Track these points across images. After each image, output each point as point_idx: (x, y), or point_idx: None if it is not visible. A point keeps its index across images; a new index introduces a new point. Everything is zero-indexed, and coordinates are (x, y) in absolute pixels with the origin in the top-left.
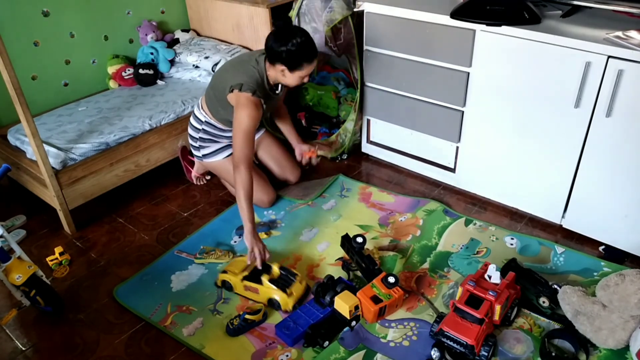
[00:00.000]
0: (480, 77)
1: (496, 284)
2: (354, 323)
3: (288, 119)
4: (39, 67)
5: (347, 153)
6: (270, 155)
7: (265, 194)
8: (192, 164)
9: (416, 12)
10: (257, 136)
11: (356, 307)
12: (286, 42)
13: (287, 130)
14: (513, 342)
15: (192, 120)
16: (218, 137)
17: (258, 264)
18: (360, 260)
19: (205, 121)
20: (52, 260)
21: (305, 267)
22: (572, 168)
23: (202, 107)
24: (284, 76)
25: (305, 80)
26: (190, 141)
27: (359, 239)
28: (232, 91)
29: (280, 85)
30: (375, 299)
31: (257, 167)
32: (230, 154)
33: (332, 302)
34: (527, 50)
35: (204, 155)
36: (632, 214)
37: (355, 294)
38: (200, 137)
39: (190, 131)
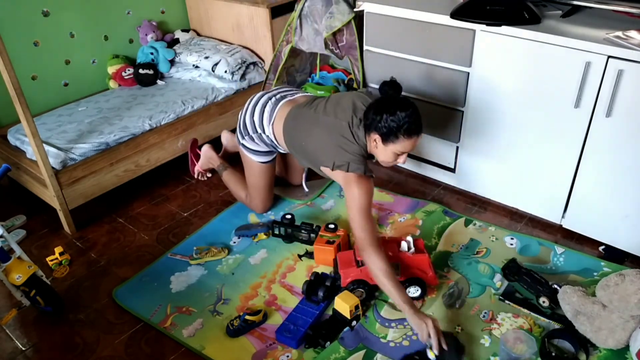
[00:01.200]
0: (480, 77)
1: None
2: (354, 323)
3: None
4: (39, 67)
5: None
6: (280, 158)
7: (264, 206)
8: (198, 157)
9: (416, 12)
10: None
11: (356, 307)
12: (387, 110)
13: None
14: (514, 341)
15: (256, 119)
16: (270, 145)
17: (434, 347)
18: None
19: (268, 136)
20: (52, 260)
21: (304, 267)
22: (572, 168)
23: (272, 125)
24: (376, 148)
25: (401, 161)
26: (241, 127)
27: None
28: (334, 169)
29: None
30: (329, 243)
31: (273, 180)
32: (267, 162)
33: (325, 297)
34: (527, 50)
35: (244, 146)
36: (632, 214)
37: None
38: (251, 136)
39: (247, 121)
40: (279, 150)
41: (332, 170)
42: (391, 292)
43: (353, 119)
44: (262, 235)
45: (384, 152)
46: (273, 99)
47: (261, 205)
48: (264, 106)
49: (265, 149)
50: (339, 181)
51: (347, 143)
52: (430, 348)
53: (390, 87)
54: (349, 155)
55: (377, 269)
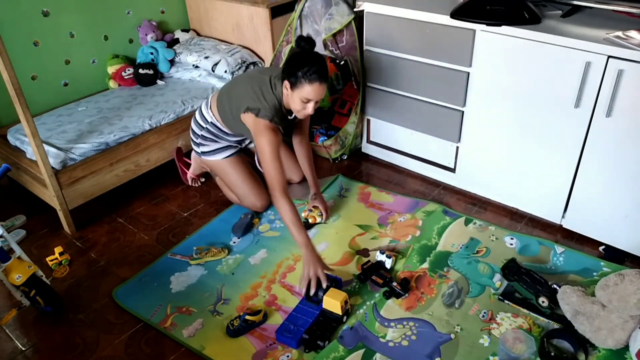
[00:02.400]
0: (480, 77)
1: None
2: (345, 318)
3: (308, 157)
4: (39, 67)
5: (347, 153)
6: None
7: (258, 199)
8: (187, 165)
9: (416, 12)
10: None
11: (345, 302)
12: (298, 58)
13: (306, 170)
14: (513, 341)
15: (197, 116)
16: (220, 137)
17: (311, 291)
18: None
19: (211, 122)
20: (52, 260)
21: None
22: (572, 168)
23: (210, 108)
24: (288, 95)
25: (309, 109)
26: (192, 136)
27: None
28: (246, 112)
29: (293, 113)
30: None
31: (253, 171)
32: (229, 155)
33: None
34: (527, 50)
35: (203, 153)
36: (632, 214)
37: (341, 287)
38: (202, 135)
39: (193, 126)
40: (229, 138)
41: (244, 113)
42: (294, 233)
43: (274, 74)
44: (256, 220)
45: (293, 99)
46: (205, 99)
47: (257, 201)
48: (201, 105)
49: (219, 144)
50: (250, 127)
51: (264, 92)
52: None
53: (305, 41)
54: (263, 103)
55: (285, 215)
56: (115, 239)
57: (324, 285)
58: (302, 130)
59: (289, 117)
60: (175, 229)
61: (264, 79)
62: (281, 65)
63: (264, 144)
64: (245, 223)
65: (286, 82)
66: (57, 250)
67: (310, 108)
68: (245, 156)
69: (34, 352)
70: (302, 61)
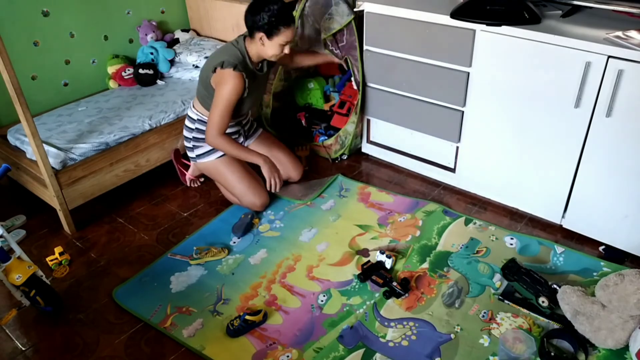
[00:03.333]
0: (480, 77)
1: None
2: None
3: (314, 54)
4: (39, 67)
5: (347, 153)
6: (271, 154)
7: (257, 197)
8: (185, 167)
9: (416, 12)
10: (255, 137)
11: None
12: (261, 9)
13: (318, 57)
14: (513, 341)
15: (186, 121)
16: None
17: (272, 188)
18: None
19: (198, 119)
20: (52, 260)
21: (304, 267)
22: (572, 168)
23: (193, 106)
24: (264, 46)
25: (286, 50)
26: (185, 142)
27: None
28: (215, 72)
29: (265, 63)
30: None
31: (250, 168)
32: (223, 154)
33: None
34: (527, 50)
35: (198, 156)
36: (632, 214)
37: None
38: (194, 137)
39: (185, 132)
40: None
41: (212, 73)
42: (243, 154)
43: (235, 40)
44: (256, 220)
45: (272, 46)
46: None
47: (256, 199)
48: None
49: None
50: (215, 85)
51: (227, 49)
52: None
53: None
54: (225, 56)
55: (225, 145)
56: (115, 239)
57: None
58: (302, 54)
59: (262, 70)
60: (175, 229)
61: (227, 45)
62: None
63: (224, 89)
64: (245, 223)
65: (260, 34)
66: (57, 250)
67: (287, 48)
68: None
69: (34, 352)
70: (266, 8)
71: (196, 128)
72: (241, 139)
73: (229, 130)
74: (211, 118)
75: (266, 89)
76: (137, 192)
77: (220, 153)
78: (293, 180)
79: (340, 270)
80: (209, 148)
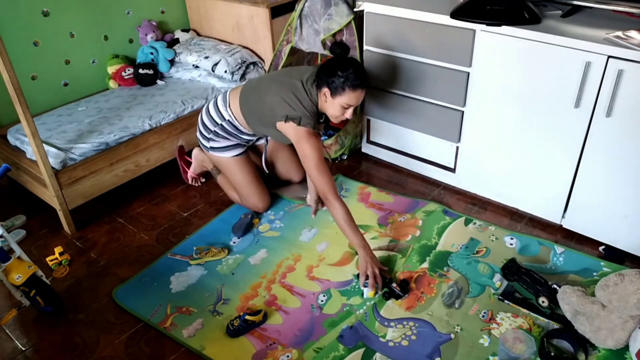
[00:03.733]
0: (480, 77)
1: None
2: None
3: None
4: (39, 67)
5: (347, 153)
6: (276, 155)
7: (261, 200)
8: (188, 164)
9: (416, 12)
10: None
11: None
12: (341, 67)
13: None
14: (513, 341)
15: (212, 112)
16: (233, 135)
17: (370, 286)
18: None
19: (228, 120)
20: (52, 260)
21: (304, 267)
22: (572, 168)
23: (230, 107)
24: (326, 102)
25: (347, 115)
26: (202, 130)
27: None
28: (287, 122)
29: (324, 116)
30: None
31: (255, 171)
32: (238, 154)
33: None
34: (527, 50)
35: (212, 148)
36: (632, 214)
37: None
38: (215, 131)
39: (205, 121)
40: (244, 137)
41: (285, 122)
42: (349, 235)
43: (307, 79)
44: (256, 220)
45: (333, 105)
46: (220, 95)
47: (259, 202)
48: (216, 100)
49: (230, 142)
50: (290, 136)
51: (301, 99)
52: (366, 286)
53: (339, 47)
54: (302, 110)
55: (338, 215)
56: (115, 239)
57: (380, 284)
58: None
59: (320, 121)
60: (175, 229)
61: (296, 85)
62: (310, 73)
63: (308, 151)
64: (245, 223)
65: (325, 89)
66: (57, 250)
67: (349, 113)
68: (254, 155)
69: (34, 352)
70: (340, 67)
71: (222, 125)
72: (261, 141)
73: (230, 143)
74: (315, 181)
75: None
76: (137, 192)
77: (236, 152)
78: (294, 182)
79: (340, 270)
80: (226, 144)
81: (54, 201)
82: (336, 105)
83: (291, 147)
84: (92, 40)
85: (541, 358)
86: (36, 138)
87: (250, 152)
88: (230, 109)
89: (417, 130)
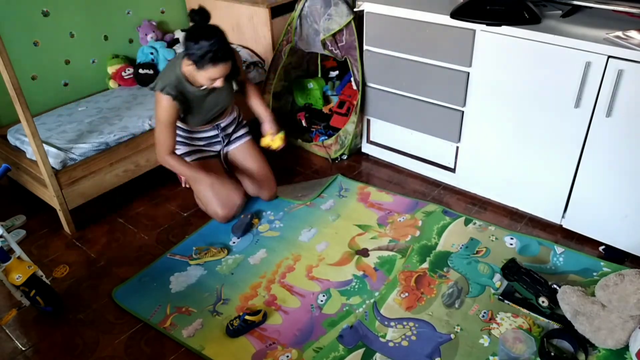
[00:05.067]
0: (480, 77)
1: None
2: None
3: (255, 96)
4: (39, 67)
5: (347, 153)
6: (244, 167)
7: (221, 208)
8: None
9: (416, 12)
10: (237, 144)
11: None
12: (196, 40)
13: (255, 105)
14: (513, 341)
15: None
16: (188, 139)
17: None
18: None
19: (182, 127)
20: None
21: (304, 267)
22: (572, 168)
23: None
24: (195, 72)
25: (217, 84)
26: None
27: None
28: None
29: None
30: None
31: (223, 178)
32: (196, 159)
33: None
34: (527, 50)
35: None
36: (632, 214)
37: None
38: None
39: None
40: (196, 136)
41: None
42: (188, 173)
43: (178, 56)
44: (256, 220)
45: (200, 76)
46: None
47: (219, 209)
48: None
49: (188, 148)
50: None
51: (166, 69)
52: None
53: (198, 14)
54: (163, 78)
55: (174, 163)
56: (115, 239)
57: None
58: (248, 86)
59: (202, 88)
60: (175, 229)
61: (168, 63)
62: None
63: (157, 112)
64: (244, 223)
65: (187, 61)
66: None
67: (218, 83)
68: (219, 163)
69: (34, 352)
70: (200, 39)
71: (178, 133)
72: (218, 147)
73: (207, 134)
74: (156, 139)
75: (231, 96)
76: (137, 192)
77: (193, 157)
78: (263, 199)
79: (339, 270)
80: (185, 150)
81: (54, 201)
82: (202, 77)
83: (265, 157)
84: (92, 40)
85: (541, 358)
86: (36, 138)
87: (217, 161)
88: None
89: (417, 130)
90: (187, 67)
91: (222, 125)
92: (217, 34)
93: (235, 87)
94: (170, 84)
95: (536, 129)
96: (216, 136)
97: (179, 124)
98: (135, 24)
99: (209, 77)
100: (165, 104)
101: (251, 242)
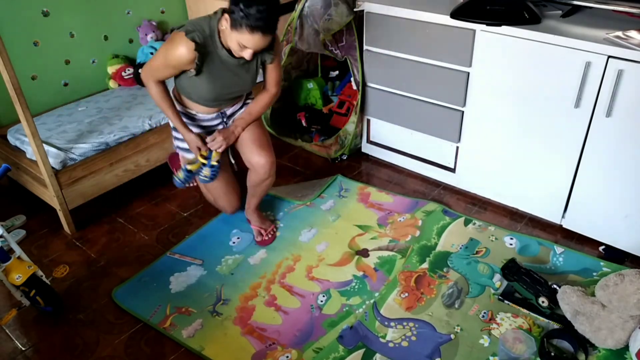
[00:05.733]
0: (480, 77)
1: None
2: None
3: (262, 100)
4: (39, 67)
5: (347, 153)
6: (240, 141)
7: (228, 204)
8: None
9: (416, 12)
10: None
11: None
12: (248, 1)
13: (253, 104)
14: (513, 341)
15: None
16: (192, 126)
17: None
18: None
19: (180, 111)
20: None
21: (304, 267)
22: (572, 168)
23: (175, 98)
24: (226, 29)
25: (245, 54)
26: (173, 132)
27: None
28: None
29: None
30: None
31: (224, 175)
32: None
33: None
34: (527, 50)
35: (179, 148)
36: (632, 214)
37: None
38: (174, 127)
39: (170, 123)
40: (201, 118)
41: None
42: (167, 113)
43: (216, 12)
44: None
45: (230, 38)
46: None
47: (227, 205)
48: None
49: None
50: None
51: (202, 19)
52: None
53: None
54: (193, 24)
55: (154, 95)
56: (115, 239)
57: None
58: (267, 83)
59: (233, 58)
60: (175, 229)
61: (217, 11)
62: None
63: (165, 51)
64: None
65: (226, 15)
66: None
67: (247, 54)
68: (226, 157)
69: (34, 352)
70: (249, 3)
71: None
72: (220, 127)
73: (210, 123)
74: (148, 64)
75: (253, 84)
76: (137, 192)
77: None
78: (263, 166)
79: (339, 271)
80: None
81: (54, 201)
82: (233, 39)
83: (255, 129)
84: (92, 40)
85: (541, 358)
86: (36, 138)
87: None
88: (175, 100)
89: (417, 130)
90: (225, 23)
91: (228, 112)
92: (272, 3)
93: (260, 76)
94: (200, 31)
95: (536, 129)
96: (220, 124)
97: (182, 108)
98: (135, 23)
99: (239, 41)
100: (182, 49)
101: (251, 242)
